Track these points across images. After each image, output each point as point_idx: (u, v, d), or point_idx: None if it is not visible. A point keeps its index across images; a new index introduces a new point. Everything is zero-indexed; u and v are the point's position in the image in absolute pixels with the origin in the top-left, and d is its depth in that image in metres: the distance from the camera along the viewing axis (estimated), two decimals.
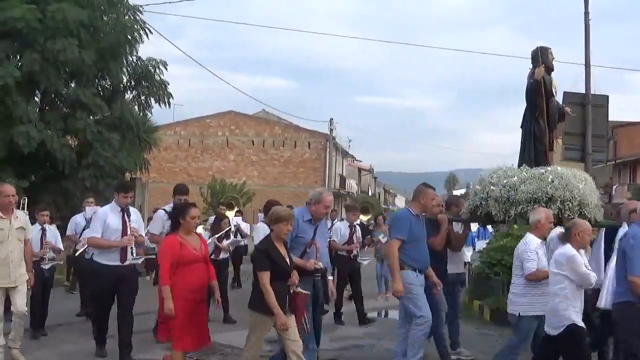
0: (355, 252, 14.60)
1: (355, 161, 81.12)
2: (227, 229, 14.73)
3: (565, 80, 38.12)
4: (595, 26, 18.26)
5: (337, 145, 61.38)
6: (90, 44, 23.49)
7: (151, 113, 27.70)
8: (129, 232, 9.87)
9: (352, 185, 74.64)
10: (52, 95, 25.29)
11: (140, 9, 25.57)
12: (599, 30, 22.83)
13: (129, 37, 24.85)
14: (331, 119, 54.83)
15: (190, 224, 8.36)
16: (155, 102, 26.86)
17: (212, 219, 16.25)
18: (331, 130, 55.00)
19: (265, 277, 7.65)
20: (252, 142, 57.31)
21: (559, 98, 12.71)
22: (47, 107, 25.39)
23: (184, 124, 57.73)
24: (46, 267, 11.69)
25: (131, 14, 25.36)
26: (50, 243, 11.86)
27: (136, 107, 26.92)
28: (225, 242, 14.61)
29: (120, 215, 9.93)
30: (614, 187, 50.17)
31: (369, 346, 11.81)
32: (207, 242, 12.33)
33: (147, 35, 25.64)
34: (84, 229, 13.13)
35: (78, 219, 13.93)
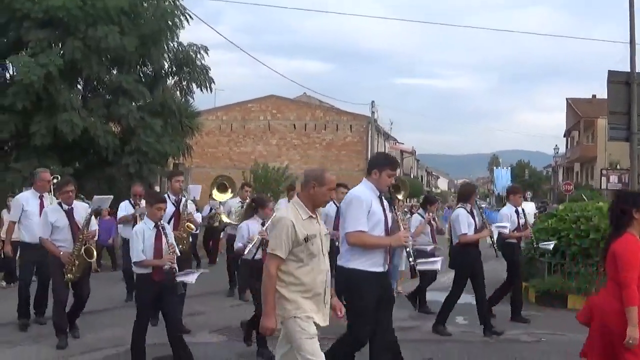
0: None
1: (397, 143, 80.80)
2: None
3: (610, 58, 37.65)
4: None
5: (379, 128, 61.15)
6: (131, 31, 23.56)
7: (193, 98, 27.88)
8: (391, 224, 7.33)
9: None
10: (95, 83, 25.47)
11: None
12: None
13: (170, 22, 24.89)
14: (373, 102, 54.60)
15: None
16: (197, 88, 26.99)
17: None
18: (373, 112, 54.77)
19: None
20: (294, 125, 57.26)
21: (603, 76, 12.42)
22: (89, 95, 25.58)
23: (225, 108, 57.81)
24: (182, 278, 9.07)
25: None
26: (173, 246, 8.91)
27: (178, 92, 27.07)
28: None
29: (379, 202, 7.28)
30: None
31: (412, 328, 11.76)
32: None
33: (187, 21, 25.68)
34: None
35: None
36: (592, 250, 14.06)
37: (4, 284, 15.83)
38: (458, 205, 11.71)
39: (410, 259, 7.58)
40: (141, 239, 8.60)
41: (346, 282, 7.07)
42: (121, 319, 11.75)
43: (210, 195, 17.17)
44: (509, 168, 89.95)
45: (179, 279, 8.65)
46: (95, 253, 10.28)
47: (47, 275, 10.94)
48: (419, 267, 7.73)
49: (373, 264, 7.03)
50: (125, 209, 13.71)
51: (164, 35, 25.04)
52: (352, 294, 7.04)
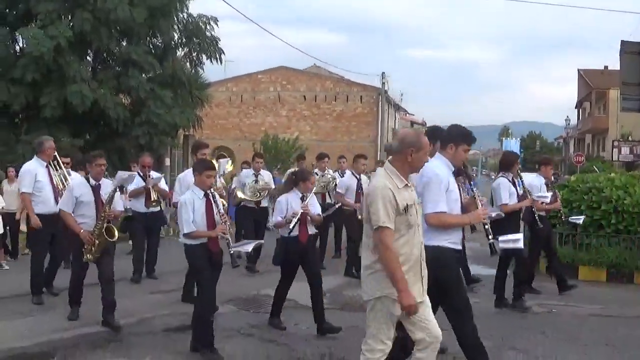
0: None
1: (407, 115, 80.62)
2: None
3: (623, 29, 37.40)
4: None
5: (390, 99, 60.94)
6: (141, 2, 23.45)
7: (203, 70, 27.83)
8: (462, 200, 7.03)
9: None
10: (104, 54, 25.45)
11: None
12: None
13: None
14: (383, 73, 54.32)
15: None
16: (207, 59, 26.93)
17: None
18: (383, 83, 54.58)
19: None
20: (304, 97, 57.11)
21: (616, 47, 12.31)
22: (99, 66, 25.58)
23: (235, 80, 57.68)
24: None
25: None
26: (225, 217, 8.35)
27: (188, 64, 27.01)
28: None
29: (454, 179, 6.96)
30: None
31: None
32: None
33: None
34: None
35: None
36: (603, 222, 14.02)
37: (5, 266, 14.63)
38: (499, 175, 11.41)
39: (490, 237, 7.22)
40: (190, 209, 8.03)
41: (435, 260, 6.42)
42: (130, 290, 11.82)
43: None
44: (518, 139, 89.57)
45: (234, 249, 8.36)
46: (116, 233, 9.42)
47: (60, 249, 10.91)
48: (501, 246, 7.50)
49: (453, 242, 6.82)
50: (135, 182, 12.92)
51: (174, 6, 24.98)
52: (443, 271, 6.62)
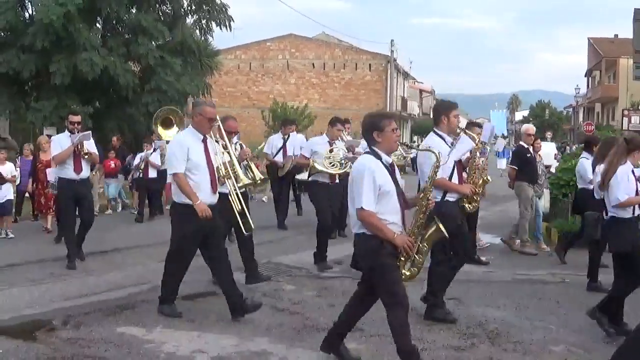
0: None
1: (416, 83, 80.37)
2: None
3: None
4: None
5: (398, 67, 60.74)
6: None
7: (212, 37, 27.76)
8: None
9: (413, 107, 74.04)
10: (114, 22, 25.38)
11: None
12: None
13: None
14: (392, 40, 54.35)
15: None
16: (217, 26, 26.82)
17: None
18: (392, 51, 54.44)
19: None
20: (313, 64, 56.96)
21: (626, 15, 12.20)
22: (109, 34, 25.50)
23: (244, 47, 57.56)
24: None
25: None
26: None
27: (197, 31, 26.91)
28: None
29: None
30: None
31: None
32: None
33: None
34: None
35: None
36: None
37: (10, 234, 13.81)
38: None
39: None
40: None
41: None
42: (142, 257, 11.83)
43: (153, 133, 14.97)
44: (504, 110, 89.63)
45: None
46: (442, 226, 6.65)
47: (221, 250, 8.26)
48: None
49: None
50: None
51: None
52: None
